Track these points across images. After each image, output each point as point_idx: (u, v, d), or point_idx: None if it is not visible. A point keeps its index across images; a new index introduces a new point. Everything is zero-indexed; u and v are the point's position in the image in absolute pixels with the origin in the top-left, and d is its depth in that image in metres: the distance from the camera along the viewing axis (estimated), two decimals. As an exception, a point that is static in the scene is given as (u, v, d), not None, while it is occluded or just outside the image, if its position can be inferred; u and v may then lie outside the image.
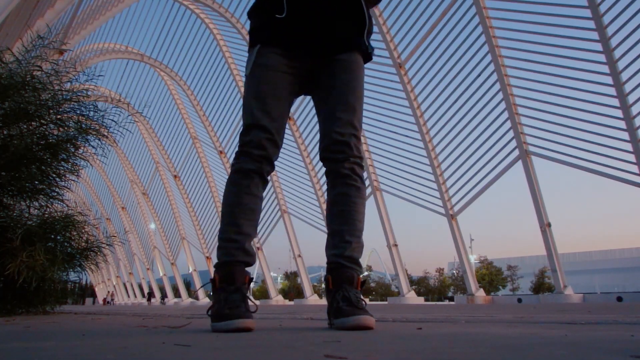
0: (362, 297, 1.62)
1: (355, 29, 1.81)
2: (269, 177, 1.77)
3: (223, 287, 1.63)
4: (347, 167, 1.73)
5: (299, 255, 25.12)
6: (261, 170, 1.72)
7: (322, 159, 1.79)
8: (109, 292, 47.02)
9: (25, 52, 4.88)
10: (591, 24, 13.53)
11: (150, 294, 38.70)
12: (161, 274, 39.55)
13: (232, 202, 1.72)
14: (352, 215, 1.73)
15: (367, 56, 1.89)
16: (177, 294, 40.91)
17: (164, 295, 41.11)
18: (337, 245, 1.69)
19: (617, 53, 13.45)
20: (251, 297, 1.67)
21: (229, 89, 26.17)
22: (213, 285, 1.68)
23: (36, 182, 4.61)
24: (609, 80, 13.77)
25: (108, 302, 39.41)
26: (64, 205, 4.98)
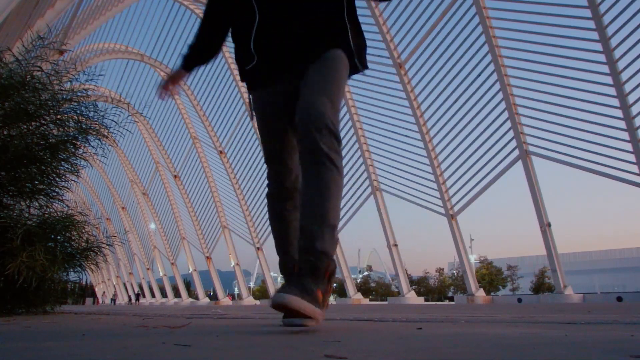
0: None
1: (333, 34, 1.80)
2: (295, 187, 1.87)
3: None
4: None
5: (299, 255, 25.08)
6: (284, 193, 1.86)
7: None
8: (104, 292, 47.16)
9: (26, 52, 4.87)
10: (591, 24, 13.54)
11: (139, 295, 39.11)
12: (161, 274, 39.57)
13: (277, 228, 1.93)
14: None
15: (349, 51, 1.84)
16: (177, 294, 40.93)
17: (114, 298, 41.57)
18: None
19: (617, 53, 13.46)
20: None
21: (229, 89, 26.17)
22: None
23: (36, 182, 4.61)
24: (609, 80, 13.78)
25: (105, 301, 39.69)
26: (64, 205, 4.97)
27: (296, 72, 1.75)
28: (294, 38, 1.76)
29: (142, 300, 41.04)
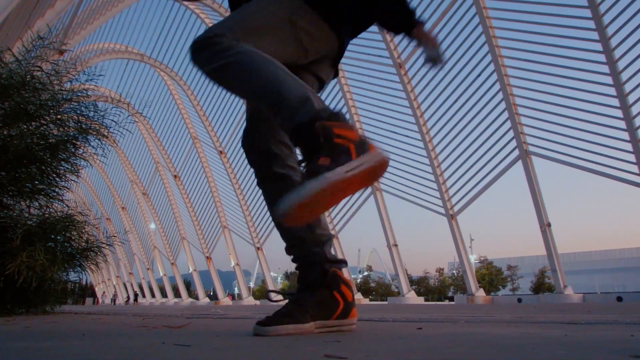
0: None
1: None
2: None
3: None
4: None
5: (299, 255, 25.06)
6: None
7: None
8: (103, 292, 47.27)
9: (26, 52, 4.88)
10: (591, 24, 13.54)
11: (137, 295, 39.40)
12: (161, 274, 39.59)
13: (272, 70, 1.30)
14: None
15: None
16: (177, 294, 40.94)
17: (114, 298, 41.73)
18: None
19: (617, 53, 13.46)
20: None
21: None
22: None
23: (36, 182, 4.61)
24: (609, 80, 13.78)
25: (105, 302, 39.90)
26: (64, 205, 4.97)
27: None
28: None
29: (140, 300, 41.15)
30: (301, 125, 1.20)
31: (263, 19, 1.41)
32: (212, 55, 1.32)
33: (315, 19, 1.44)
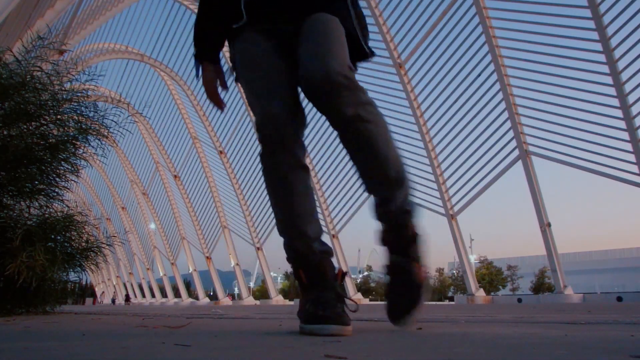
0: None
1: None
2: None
3: (313, 284, 1.44)
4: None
5: (299, 255, 25.07)
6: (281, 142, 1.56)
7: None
8: (102, 292, 47.38)
9: (25, 53, 4.87)
10: (591, 24, 13.53)
11: (128, 296, 39.59)
12: (161, 274, 39.59)
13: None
14: None
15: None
16: (177, 294, 40.95)
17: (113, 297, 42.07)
18: None
19: (617, 53, 13.46)
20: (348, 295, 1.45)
21: (229, 89, 26.07)
22: (300, 281, 1.49)
23: (36, 182, 4.61)
24: (609, 80, 13.77)
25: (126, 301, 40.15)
26: (64, 205, 4.97)
27: (297, 12, 1.53)
28: None
29: (133, 300, 41.42)
30: (407, 212, 1.51)
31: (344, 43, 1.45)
32: (358, 100, 1.34)
33: None
